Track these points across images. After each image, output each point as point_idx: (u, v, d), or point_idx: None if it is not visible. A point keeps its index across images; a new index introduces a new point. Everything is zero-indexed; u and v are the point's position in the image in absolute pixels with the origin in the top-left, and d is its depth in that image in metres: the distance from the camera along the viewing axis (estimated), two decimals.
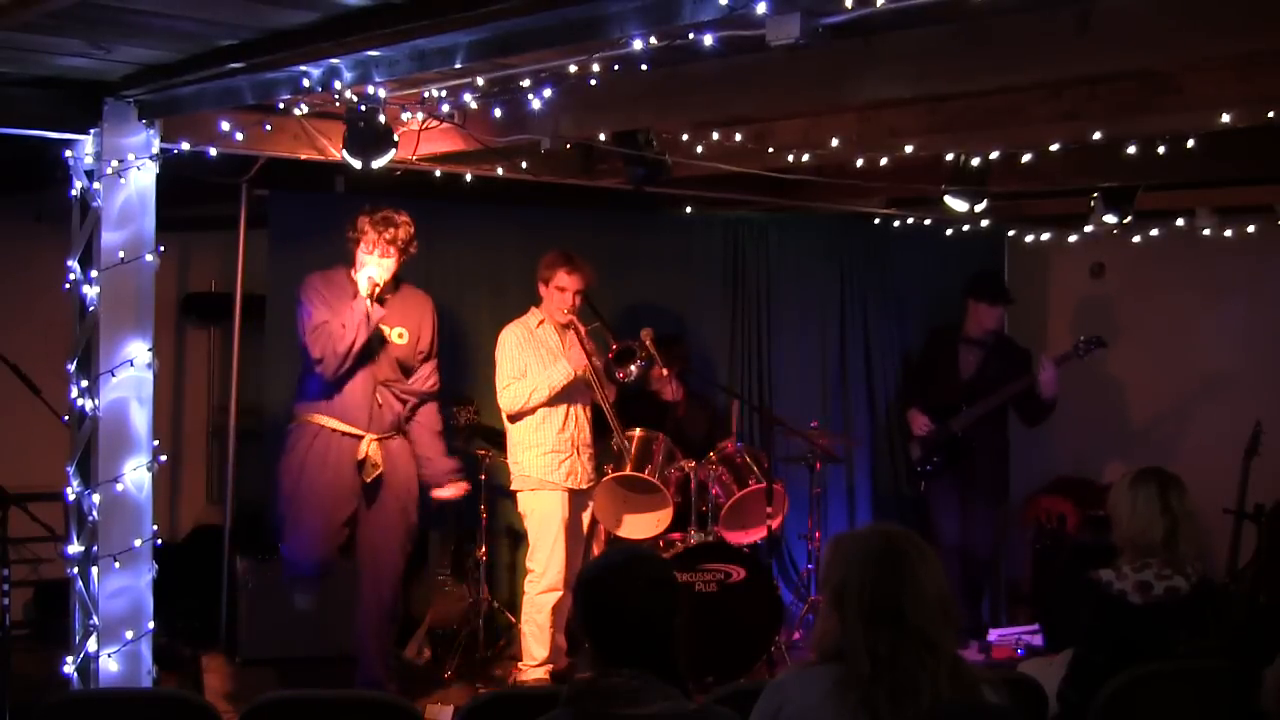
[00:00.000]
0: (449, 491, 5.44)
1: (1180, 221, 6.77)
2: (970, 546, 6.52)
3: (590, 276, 5.67)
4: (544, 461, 5.59)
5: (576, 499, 5.72)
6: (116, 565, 4.38)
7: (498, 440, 5.93)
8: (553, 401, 5.58)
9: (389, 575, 5.27)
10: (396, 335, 5.23)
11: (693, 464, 5.98)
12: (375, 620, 5.26)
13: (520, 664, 5.70)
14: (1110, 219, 6.01)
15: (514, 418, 5.63)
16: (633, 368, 5.64)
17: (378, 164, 4.34)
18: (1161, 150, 4.83)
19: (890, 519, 7.30)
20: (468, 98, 4.08)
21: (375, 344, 5.14)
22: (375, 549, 5.21)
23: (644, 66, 3.58)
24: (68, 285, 4.53)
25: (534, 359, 5.60)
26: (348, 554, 5.30)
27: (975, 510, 6.55)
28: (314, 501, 5.11)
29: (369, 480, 5.12)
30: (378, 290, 5.08)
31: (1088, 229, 6.39)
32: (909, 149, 4.88)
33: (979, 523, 6.56)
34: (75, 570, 4.50)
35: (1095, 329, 6.92)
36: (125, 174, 4.38)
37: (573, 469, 5.65)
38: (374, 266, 5.08)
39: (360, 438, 5.11)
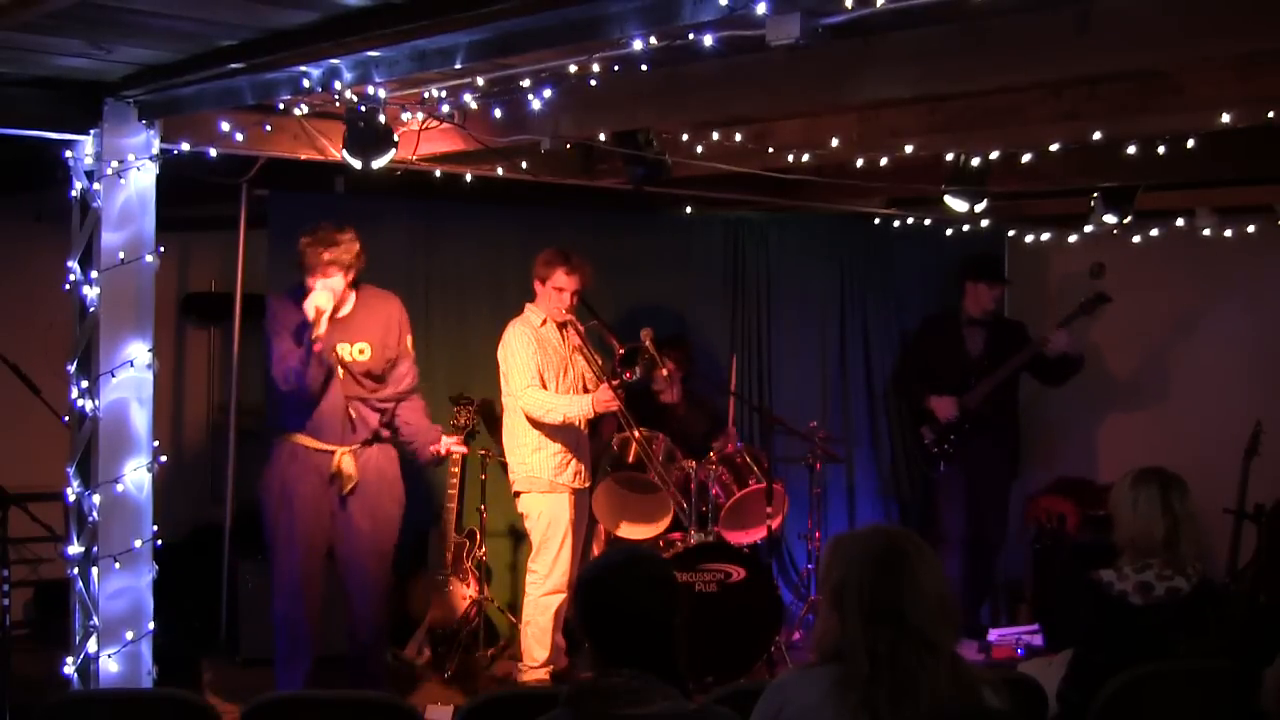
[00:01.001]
0: (442, 445, 5.36)
1: (1180, 221, 6.77)
2: (980, 533, 6.55)
3: (588, 276, 5.66)
4: (554, 463, 5.59)
5: (580, 498, 5.72)
6: (116, 565, 4.38)
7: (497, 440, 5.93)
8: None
9: (373, 580, 5.19)
10: (357, 352, 5.09)
11: (693, 464, 5.98)
12: (361, 627, 5.22)
13: (520, 664, 5.70)
14: (1110, 219, 6.01)
15: (530, 422, 5.58)
16: (637, 369, 5.63)
17: (378, 164, 4.34)
18: (1161, 150, 4.83)
19: (891, 519, 7.33)
20: (468, 98, 4.08)
21: (339, 365, 5.06)
22: (354, 556, 5.15)
23: (644, 66, 3.58)
24: (68, 285, 4.53)
25: (542, 361, 5.58)
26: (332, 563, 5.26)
27: (987, 493, 6.60)
28: (291, 519, 5.05)
29: (345, 492, 5.06)
30: (324, 317, 4.88)
31: (1088, 229, 6.39)
32: (909, 149, 4.88)
33: (991, 505, 6.62)
34: (75, 570, 4.50)
35: (1095, 328, 6.92)
36: (125, 174, 4.38)
37: (577, 469, 5.66)
38: (318, 292, 4.92)
39: (331, 453, 5.06)
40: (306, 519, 5.06)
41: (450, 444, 5.44)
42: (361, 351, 5.10)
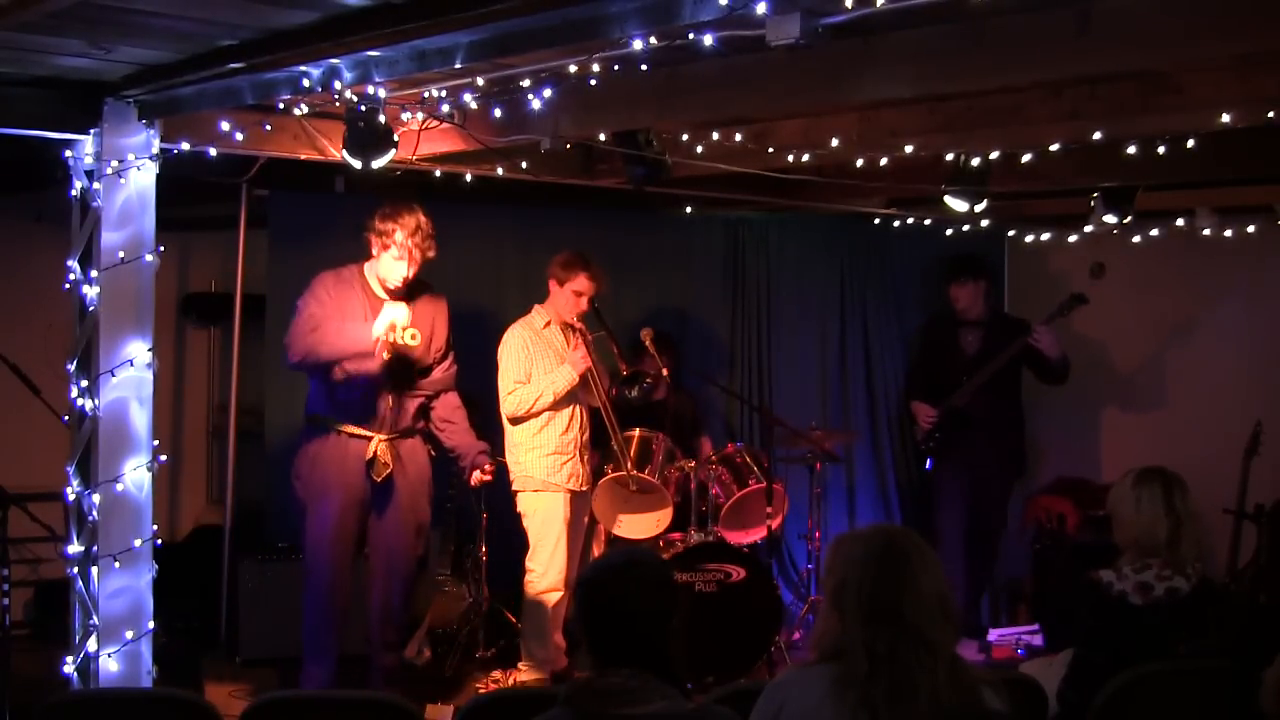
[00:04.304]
0: (487, 476, 5.42)
1: (1180, 221, 6.77)
2: (979, 532, 6.53)
3: (605, 284, 5.67)
4: (547, 463, 5.59)
5: (578, 500, 5.71)
6: (116, 565, 4.38)
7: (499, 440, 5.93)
8: (557, 405, 5.57)
9: (401, 574, 5.24)
10: (410, 336, 5.06)
11: (693, 464, 5.98)
12: (385, 619, 5.25)
13: (520, 664, 5.70)
14: (1110, 219, 6.01)
15: (515, 421, 5.61)
16: (637, 391, 5.64)
17: (378, 164, 4.34)
18: (1161, 150, 4.83)
19: (891, 518, 7.33)
20: (468, 98, 4.08)
21: (393, 357, 5.06)
22: (388, 549, 5.18)
23: (644, 66, 3.58)
24: (68, 285, 4.53)
25: (540, 362, 5.58)
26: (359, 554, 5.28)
27: (986, 491, 6.55)
28: (325, 504, 5.06)
29: (379, 479, 5.06)
30: (396, 333, 4.93)
31: (1088, 229, 6.40)
32: (909, 149, 4.88)
33: (990, 503, 6.57)
34: (75, 570, 4.50)
35: (1095, 329, 6.92)
36: (125, 174, 4.39)
37: (574, 471, 5.65)
38: (395, 269, 4.95)
39: (369, 439, 5.07)
40: (343, 506, 5.05)
41: (489, 474, 5.47)
42: (414, 336, 5.07)
